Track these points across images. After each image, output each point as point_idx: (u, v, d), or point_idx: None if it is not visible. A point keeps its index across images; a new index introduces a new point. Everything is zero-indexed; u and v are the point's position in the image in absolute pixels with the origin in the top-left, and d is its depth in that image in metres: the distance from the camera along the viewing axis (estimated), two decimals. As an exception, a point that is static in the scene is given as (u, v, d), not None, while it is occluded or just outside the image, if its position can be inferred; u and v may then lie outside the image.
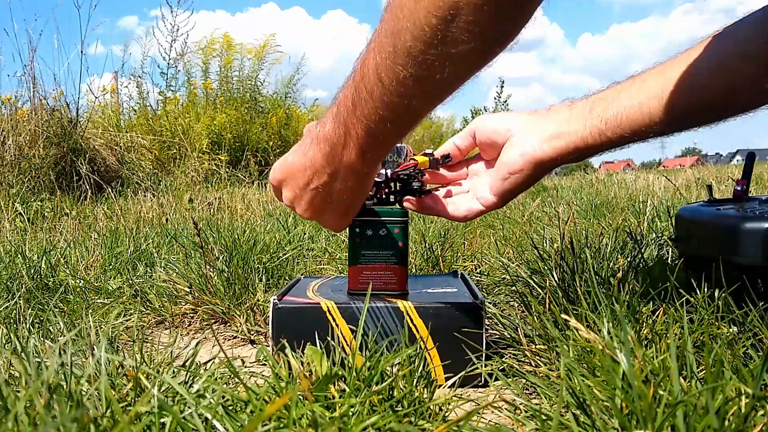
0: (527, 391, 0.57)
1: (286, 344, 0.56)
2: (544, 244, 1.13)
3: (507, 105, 8.22)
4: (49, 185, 2.66)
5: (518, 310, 0.79)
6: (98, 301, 0.94)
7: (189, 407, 0.39)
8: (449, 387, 0.60)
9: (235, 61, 4.79)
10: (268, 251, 1.17)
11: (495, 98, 8.11)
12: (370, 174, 0.58)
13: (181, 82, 4.61)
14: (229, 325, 0.88)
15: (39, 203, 2.35)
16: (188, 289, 0.94)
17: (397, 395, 0.45)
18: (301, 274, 1.04)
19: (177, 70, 4.51)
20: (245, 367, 0.64)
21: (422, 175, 0.67)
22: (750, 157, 0.85)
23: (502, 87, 8.15)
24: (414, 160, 0.66)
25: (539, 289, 0.77)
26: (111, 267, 1.18)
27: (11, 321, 0.80)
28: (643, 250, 0.91)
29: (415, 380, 0.50)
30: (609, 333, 0.49)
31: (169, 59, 4.42)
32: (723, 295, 0.57)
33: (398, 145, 0.65)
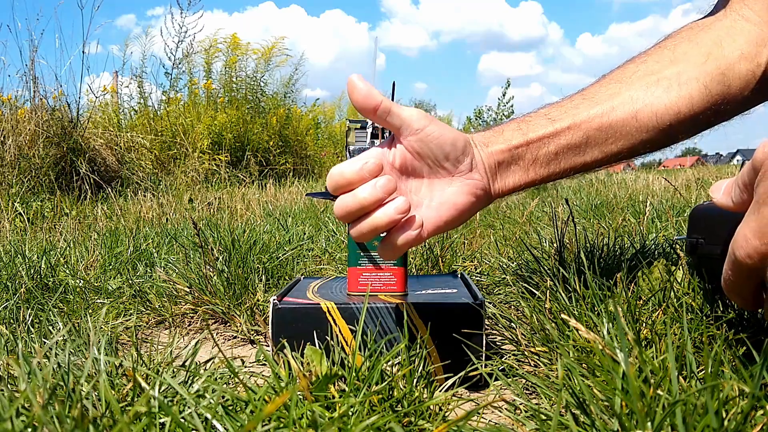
0: (527, 391, 0.57)
1: (286, 344, 0.56)
2: (544, 244, 1.13)
3: (512, 107, 7.98)
4: (48, 185, 2.66)
5: (518, 310, 0.79)
6: (98, 301, 0.94)
7: (189, 407, 0.39)
8: (449, 387, 0.60)
9: (239, 61, 4.80)
10: (267, 251, 1.17)
11: (499, 99, 7.92)
12: None
13: (184, 83, 4.62)
14: (229, 326, 0.88)
15: (39, 203, 2.35)
16: (188, 289, 0.94)
17: (396, 395, 0.45)
18: (301, 275, 1.04)
19: (181, 70, 4.52)
20: (245, 367, 0.64)
21: None
22: None
23: (507, 87, 7.88)
24: None
25: (539, 290, 0.77)
26: (111, 267, 1.18)
27: (11, 321, 0.80)
28: (642, 250, 0.91)
29: (414, 380, 0.50)
30: (609, 333, 0.49)
31: (175, 59, 4.42)
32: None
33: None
